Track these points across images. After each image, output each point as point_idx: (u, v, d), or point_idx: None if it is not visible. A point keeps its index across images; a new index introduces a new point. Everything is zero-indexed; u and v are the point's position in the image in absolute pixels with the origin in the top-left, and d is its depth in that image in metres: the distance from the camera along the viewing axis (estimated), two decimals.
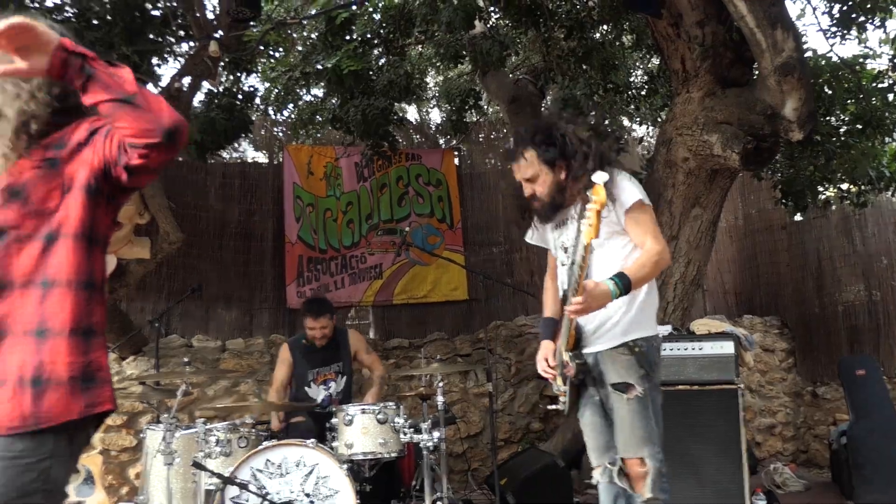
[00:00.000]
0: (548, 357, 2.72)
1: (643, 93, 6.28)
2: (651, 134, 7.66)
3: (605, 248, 2.58)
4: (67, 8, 4.59)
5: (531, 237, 2.91)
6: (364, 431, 3.75)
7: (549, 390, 4.51)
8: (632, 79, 6.82)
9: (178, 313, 6.15)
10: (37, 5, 4.21)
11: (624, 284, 2.38)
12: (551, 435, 5.81)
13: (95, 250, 1.63)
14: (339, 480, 3.51)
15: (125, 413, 5.41)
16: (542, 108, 6.56)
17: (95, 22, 4.41)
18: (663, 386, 3.93)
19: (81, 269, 1.59)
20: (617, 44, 5.94)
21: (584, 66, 5.41)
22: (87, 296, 1.59)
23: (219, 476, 3.37)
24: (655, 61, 6.59)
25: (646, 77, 6.67)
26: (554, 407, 2.80)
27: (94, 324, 1.60)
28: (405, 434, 3.82)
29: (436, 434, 3.82)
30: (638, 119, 7.00)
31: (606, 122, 5.79)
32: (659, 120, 6.45)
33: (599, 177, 2.13)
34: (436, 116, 9.57)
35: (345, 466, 3.56)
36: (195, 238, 6.13)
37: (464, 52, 5.40)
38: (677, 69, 4.47)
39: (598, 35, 5.76)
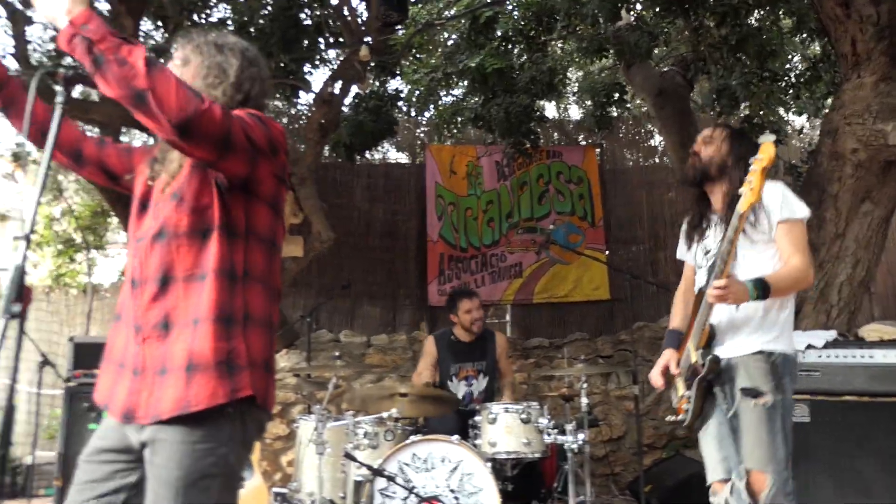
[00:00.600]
0: (669, 364, 2.62)
1: (803, 80, 5.85)
2: (811, 124, 7.14)
3: (753, 256, 2.48)
4: (229, 22, 4.92)
5: (681, 252, 2.84)
6: (508, 430, 3.74)
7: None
8: (790, 66, 6.38)
9: (327, 309, 6.42)
10: (203, 20, 4.52)
11: (763, 289, 2.31)
12: (698, 442, 5.54)
13: (238, 241, 1.67)
14: (483, 478, 3.52)
15: (279, 403, 5.71)
16: (691, 101, 6.29)
17: (254, 33, 4.69)
18: (828, 395, 3.69)
19: (223, 259, 1.63)
20: (774, 29, 5.58)
21: (739, 55, 5.11)
22: (229, 285, 1.63)
23: (369, 468, 3.47)
24: (818, 47, 6.12)
25: (806, 63, 6.22)
26: (673, 418, 2.66)
27: (234, 311, 1.63)
28: (549, 435, 3.77)
29: (580, 436, 3.75)
30: (796, 109, 6.54)
31: (762, 112, 5.45)
32: (821, 109, 5.99)
33: (768, 136, 2.11)
34: (574, 113, 9.43)
35: (488, 464, 3.56)
36: (343, 236, 6.37)
37: (607, 46, 5.27)
38: (846, 52, 4.12)
39: (753, 20, 5.43)
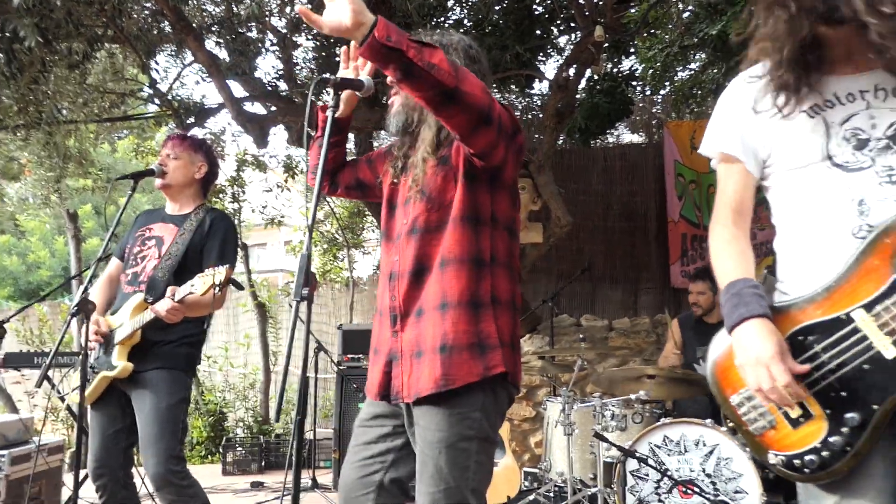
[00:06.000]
0: (788, 359, 1.39)
1: None
2: None
3: None
4: (465, 21, 5.15)
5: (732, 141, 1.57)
6: None
7: None
8: None
9: (567, 293, 6.48)
10: (443, 22, 4.78)
11: None
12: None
13: (484, 230, 1.79)
14: (743, 463, 3.36)
15: (525, 386, 5.88)
16: None
17: (488, 29, 4.87)
18: None
19: (468, 247, 1.76)
20: None
21: None
22: (477, 271, 1.76)
23: (620, 448, 3.48)
24: None
25: None
26: (775, 458, 1.44)
27: (483, 296, 1.76)
28: None
29: None
30: None
31: None
32: None
33: None
34: None
35: (748, 450, 3.40)
36: (581, 221, 6.38)
37: None
38: None
39: None
